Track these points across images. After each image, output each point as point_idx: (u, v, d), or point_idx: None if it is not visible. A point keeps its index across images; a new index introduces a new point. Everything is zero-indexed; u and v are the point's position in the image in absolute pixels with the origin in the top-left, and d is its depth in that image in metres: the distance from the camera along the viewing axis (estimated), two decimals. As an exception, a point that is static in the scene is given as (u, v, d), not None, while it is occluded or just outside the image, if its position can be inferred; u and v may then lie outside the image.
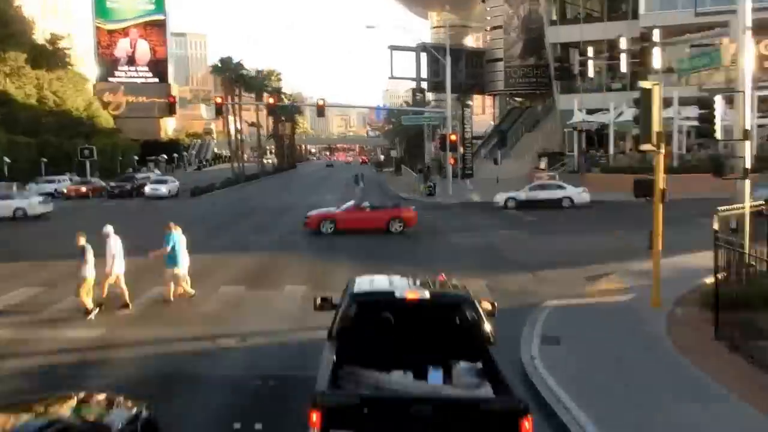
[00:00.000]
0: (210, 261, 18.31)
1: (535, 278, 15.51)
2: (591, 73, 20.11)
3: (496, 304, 7.56)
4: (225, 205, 38.64)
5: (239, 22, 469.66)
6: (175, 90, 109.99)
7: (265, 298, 13.75)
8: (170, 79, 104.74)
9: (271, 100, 38.61)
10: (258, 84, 71.47)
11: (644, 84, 9.75)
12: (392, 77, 66.36)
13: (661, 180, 10.19)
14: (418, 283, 7.80)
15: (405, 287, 7.10)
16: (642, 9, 42.16)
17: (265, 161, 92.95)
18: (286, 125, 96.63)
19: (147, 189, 43.08)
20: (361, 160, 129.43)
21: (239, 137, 67.18)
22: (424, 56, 62.08)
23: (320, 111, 39.83)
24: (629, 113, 42.15)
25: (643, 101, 9.66)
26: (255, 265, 17.97)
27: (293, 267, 17.59)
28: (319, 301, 7.71)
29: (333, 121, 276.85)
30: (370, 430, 5.22)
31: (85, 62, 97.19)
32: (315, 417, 5.11)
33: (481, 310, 6.62)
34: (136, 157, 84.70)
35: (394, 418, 5.27)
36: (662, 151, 10.00)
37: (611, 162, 42.02)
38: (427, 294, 6.71)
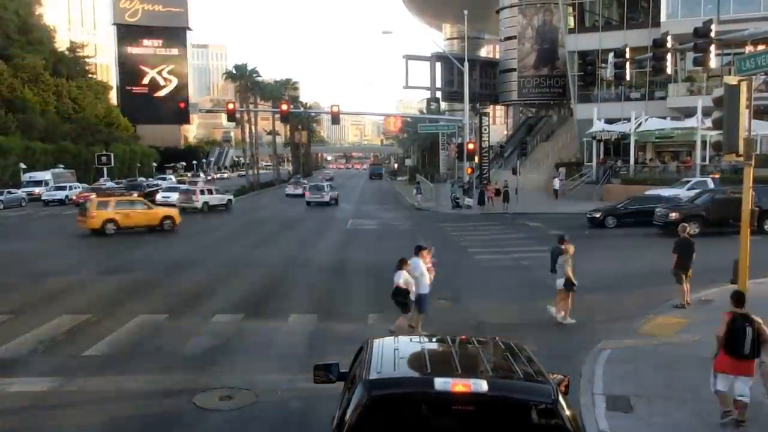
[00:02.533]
0: (218, 276, 16.68)
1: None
2: (628, 77, 18.36)
3: (568, 380, 5.23)
4: (234, 215, 37.57)
5: (260, 35, 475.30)
6: (193, 95, 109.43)
7: (265, 331, 11.83)
8: (191, 88, 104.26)
9: (284, 107, 37.26)
10: (274, 92, 71.08)
11: (729, 79, 7.87)
12: (407, 87, 65.44)
13: (749, 199, 8.25)
14: (462, 351, 5.18)
15: (449, 367, 4.59)
16: (663, 16, 41.61)
17: (281, 169, 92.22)
18: (302, 133, 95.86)
19: (158, 197, 43.58)
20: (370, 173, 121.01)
21: (255, 145, 66.38)
22: (438, 66, 61.77)
23: (335, 118, 38.82)
24: (650, 123, 40.92)
25: (728, 100, 7.75)
26: (255, 287, 16.01)
27: (295, 290, 15.63)
28: (320, 368, 5.37)
29: (348, 130, 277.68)
30: None
31: (109, 69, 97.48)
32: None
33: (568, 411, 4.10)
34: (155, 164, 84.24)
35: None
36: (751, 162, 8.09)
37: (632, 173, 40.78)
38: (484, 385, 4.09)
